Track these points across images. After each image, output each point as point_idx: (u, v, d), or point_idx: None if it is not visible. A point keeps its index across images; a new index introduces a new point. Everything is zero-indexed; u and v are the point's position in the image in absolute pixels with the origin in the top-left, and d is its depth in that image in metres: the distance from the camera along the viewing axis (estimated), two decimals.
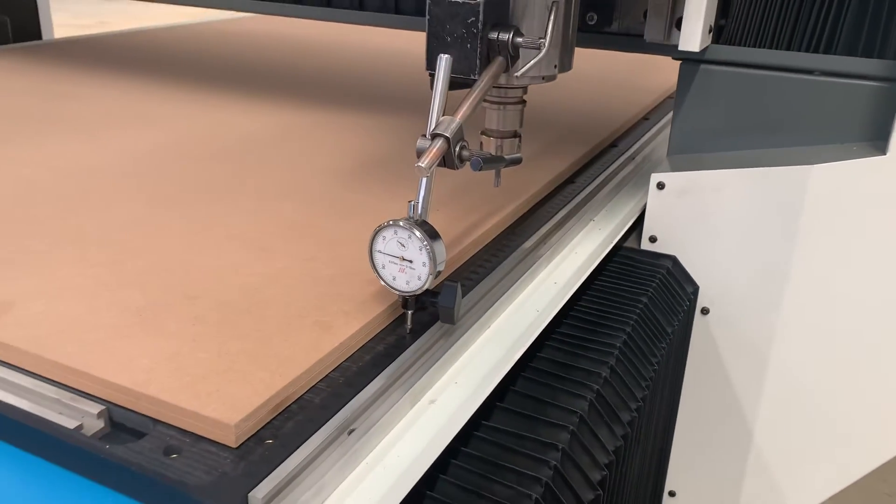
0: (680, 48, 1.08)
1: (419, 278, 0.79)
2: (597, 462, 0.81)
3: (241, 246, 0.96)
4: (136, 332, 0.77)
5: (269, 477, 0.61)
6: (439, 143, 0.79)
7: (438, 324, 0.82)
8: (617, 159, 1.47)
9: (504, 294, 0.94)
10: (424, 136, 0.82)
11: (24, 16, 2.47)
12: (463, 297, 0.83)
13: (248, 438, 0.66)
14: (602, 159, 1.46)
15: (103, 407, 0.69)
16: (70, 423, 0.67)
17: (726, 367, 1.21)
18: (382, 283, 0.81)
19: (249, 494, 0.60)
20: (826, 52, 1.10)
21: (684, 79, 1.17)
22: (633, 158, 1.49)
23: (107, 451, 0.63)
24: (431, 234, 0.78)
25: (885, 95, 1.05)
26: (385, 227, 0.79)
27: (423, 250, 0.77)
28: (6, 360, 0.75)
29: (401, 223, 0.78)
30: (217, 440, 0.65)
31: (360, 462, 0.68)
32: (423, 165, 0.77)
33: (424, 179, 0.80)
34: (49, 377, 0.73)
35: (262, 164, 1.28)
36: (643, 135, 1.61)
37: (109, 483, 0.63)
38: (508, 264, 0.97)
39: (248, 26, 2.69)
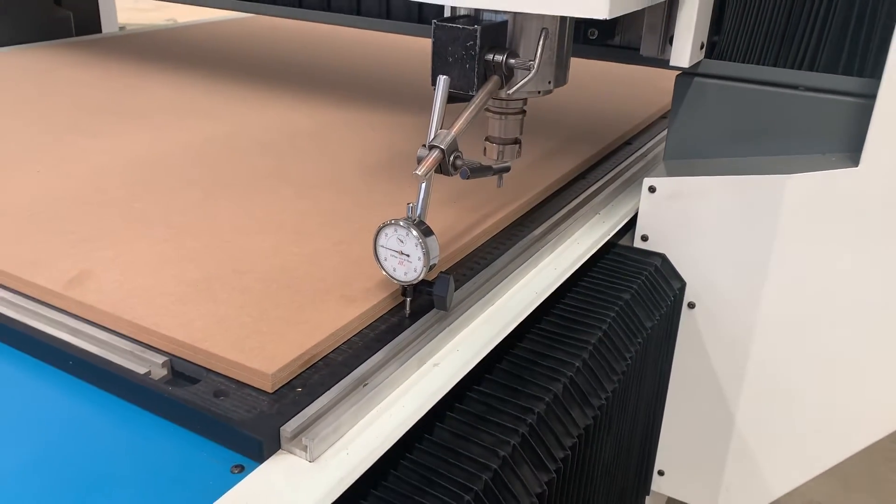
0: (671, 64, 1.17)
1: (415, 270, 0.91)
2: (568, 430, 0.93)
3: (281, 229, 1.12)
4: (194, 299, 0.93)
5: (297, 416, 0.76)
6: (435, 153, 0.91)
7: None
8: (629, 157, 1.58)
9: (508, 276, 1.07)
10: (424, 146, 0.94)
11: (86, 10, 2.64)
12: (468, 281, 0.98)
13: (282, 386, 0.81)
14: (615, 156, 1.57)
15: (167, 358, 0.85)
16: (140, 370, 0.84)
17: (710, 356, 1.30)
18: (384, 273, 0.93)
19: (281, 428, 0.75)
20: (810, 69, 1.18)
21: (679, 90, 1.26)
22: (646, 156, 1.59)
23: (169, 391, 0.79)
24: (426, 233, 0.90)
25: (862, 111, 1.13)
26: (387, 225, 0.92)
27: (419, 246, 0.89)
28: (90, 319, 0.92)
29: (400, 223, 0.90)
30: (257, 386, 0.81)
31: (371, 409, 0.82)
32: (419, 173, 0.90)
33: (422, 184, 0.93)
34: (124, 333, 0.89)
35: (301, 156, 1.42)
36: (658, 134, 1.71)
37: (171, 417, 0.79)
38: (515, 251, 1.11)
39: (290, 23, 2.83)
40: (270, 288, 0.96)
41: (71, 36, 2.55)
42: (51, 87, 1.86)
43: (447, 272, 1.00)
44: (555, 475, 0.88)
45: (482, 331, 0.96)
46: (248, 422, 0.75)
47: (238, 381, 0.82)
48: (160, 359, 0.85)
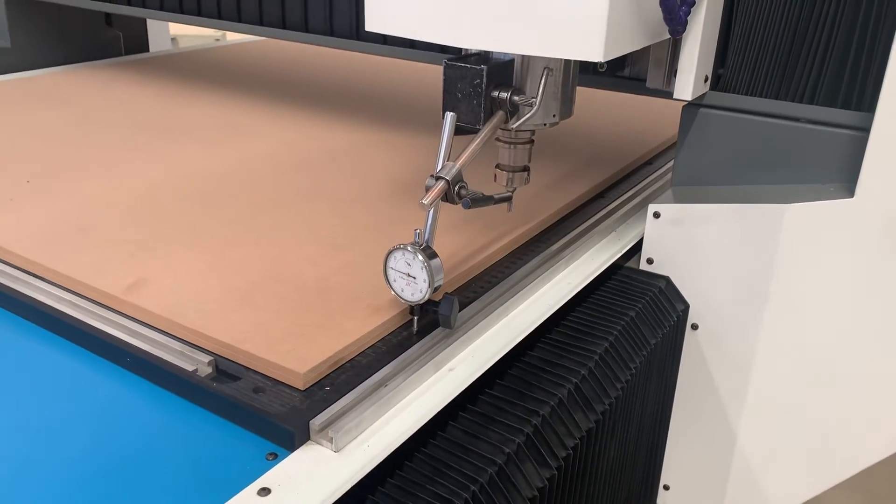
0: (674, 96, 1.23)
1: (421, 291, 0.98)
2: (570, 432, 1.01)
3: (317, 242, 1.23)
4: (237, 305, 1.04)
5: (325, 411, 0.86)
6: (441, 184, 0.99)
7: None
8: (648, 177, 1.64)
9: (521, 291, 1.15)
10: (432, 176, 1.02)
11: (135, 30, 2.78)
12: (485, 293, 1.08)
13: (313, 384, 0.91)
14: (635, 176, 1.64)
15: (212, 357, 0.96)
16: (189, 367, 0.95)
17: (713, 376, 1.35)
18: (393, 293, 1.01)
19: (310, 422, 0.84)
20: (810, 102, 1.23)
21: (686, 120, 1.32)
22: (667, 173, 1.65)
23: (214, 387, 0.90)
24: (431, 256, 0.98)
25: (858, 143, 1.17)
26: (396, 249, 0.99)
27: (424, 269, 0.97)
28: (145, 321, 1.03)
29: (408, 247, 0.98)
30: (290, 384, 0.91)
31: (390, 408, 0.91)
32: (425, 202, 0.97)
33: (429, 212, 1.00)
34: (175, 334, 1.00)
35: (338, 174, 1.53)
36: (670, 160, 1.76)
37: (214, 410, 0.90)
38: (529, 267, 1.19)
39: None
40: (305, 296, 1.07)
41: (120, 55, 2.68)
42: (106, 104, 2.00)
43: (463, 287, 1.11)
44: (556, 472, 0.96)
45: (495, 339, 1.05)
46: (282, 415, 0.85)
47: (274, 379, 0.92)
48: (206, 358, 0.95)
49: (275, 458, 0.82)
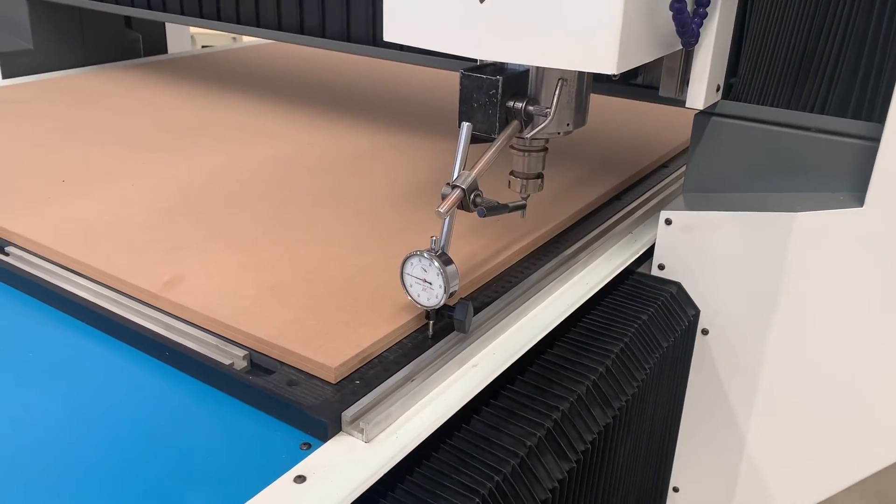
0: (686, 105, 1.25)
1: (437, 297, 1.01)
2: (589, 427, 1.05)
3: (342, 242, 1.27)
4: (270, 302, 1.08)
5: (356, 404, 0.90)
6: (457, 192, 1.01)
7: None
8: (661, 181, 1.66)
9: (542, 290, 1.19)
10: (448, 184, 1.04)
11: (154, 32, 2.82)
12: (506, 293, 1.14)
13: (343, 378, 0.96)
14: (648, 181, 1.66)
15: (247, 352, 1.00)
16: (225, 361, 0.99)
17: (723, 380, 1.37)
18: (409, 298, 1.04)
19: (342, 413, 0.89)
20: (820, 112, 1.25)
21: (697, 128, 1.34)
22: (680, 179, 1.67)
23: (250, 380, 0.94)
24: (447, 263, 1.00)
25: (868, 153, 1.19)
26: (412, 255, 1.02)
27: (440, 275, 1.00)
28: (182, 317, 1.07)
29: (424, 254, 1.01)
30: (322, 377, 0.95)
31: (417, 401, 0.95)
32: (441, 210, 1.00)
33: (445, 220, 1.03)
34: (211, 329, 1.05)
35: (361, 176, 1.57)
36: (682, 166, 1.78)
37: (250, 402, 0.94)
38: (545, 270, 1.23)
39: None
40: (334, 294, 1.11)
41: (140, 56, 2.73)
42: (130, 105, 2.04)
43: (483, 287, 1.16)
44: (575, 465, 1.00)
45: (516, 337, 1.09)
46: (316, 407, 0.90)
47: (307, 373, 0.96)
48: (241, 352, 1.00)
49: (308, 447, 0.86)
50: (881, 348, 1.24)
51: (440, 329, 1.05)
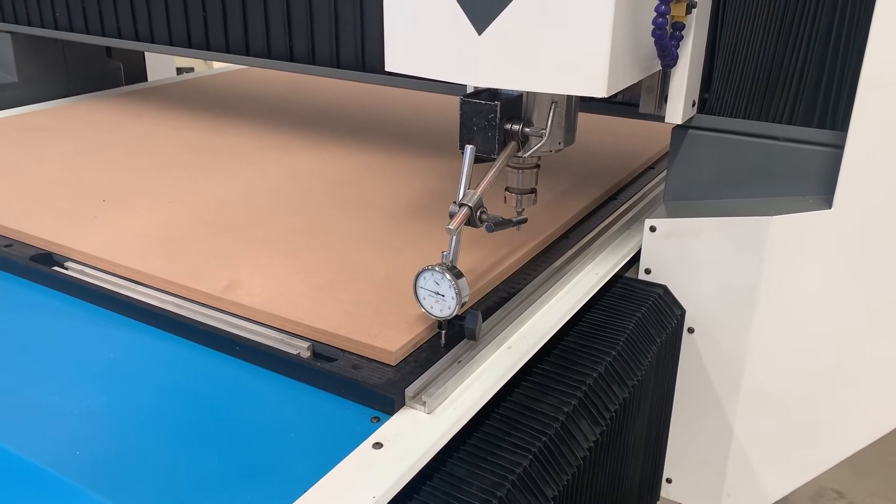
0: (665, 120, 1.35)
1: (449, 308, 1.09)
2: (612, 398, 1.17)
3: (378, 246, 1.38)
4: (324, 299, 1.20)
5: (416, 381, 1.03)
6: (464, 210, 1.10)
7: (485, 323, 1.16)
8: (652, 180, 1.77)
9: (551, 288, 1.30)
10: (455, 203, 1.12)
11: (134, 61, 2.86)
12: (528, 284, 1.27)
13: (401, 360, 1.08)
14: (632, 186, 1.77)
15: (309, 343, 1.12)
16: (292, 352, 1.11)
17: (710, 374, 1.47)
18: (423, 310, 1.11)
19: (406, 389, 1.01)
20: (788, 122, 1.35)
21: (675, 141, 1.44)
22: (659, 186, 1.77)
23: (319, 366, 1.07)
24: (458, 276, 1.08)
25: (834, 159, 1.30)
26: (425, 270, 1.09)
27: (452, 288, 1.07)
28: (247, 315, 1.18)
29: (436, 268, 1.08)
30: (383, 361, 1.08)
31: (466, 378, 1.08)
32: (451, 228, 1.08)
33: (454, 237, 1.11)
34: (274, 325, 1.15)
35: (380, 187, 1.68)
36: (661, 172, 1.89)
37: (318, 385, 1.06)
38: (549, 272, 1.34)
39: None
40: (380, 290, 1.23)
41: (121, 85, 2.77)
42: (150, 130, 2.11)
43: (491, 293, 1.26)
44: (605, 429, 1.12)
45: (540, 324, 1.22)
46: (381, 385, 1.02)
47: (368, 358, 1.08)
48: (305, 344, 1.12)
49: (378, 420, 0.99)
50: (853, 338, 1.34)
51: (451, 337, 1.13)
